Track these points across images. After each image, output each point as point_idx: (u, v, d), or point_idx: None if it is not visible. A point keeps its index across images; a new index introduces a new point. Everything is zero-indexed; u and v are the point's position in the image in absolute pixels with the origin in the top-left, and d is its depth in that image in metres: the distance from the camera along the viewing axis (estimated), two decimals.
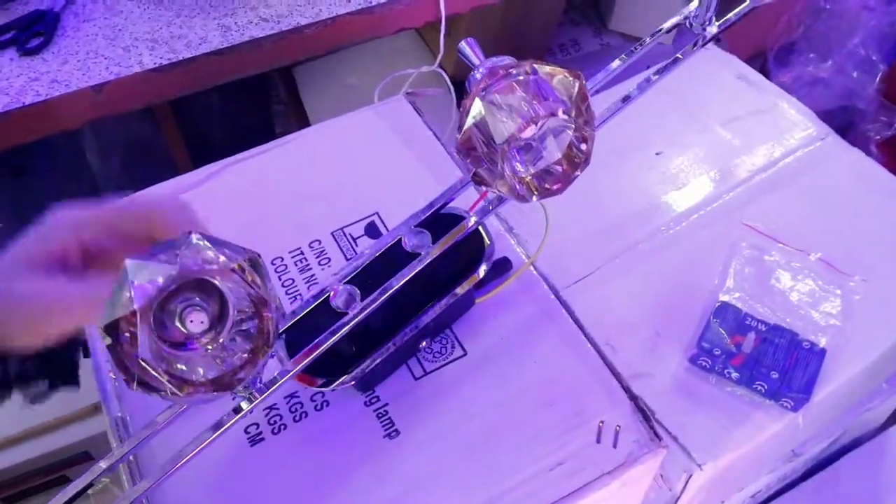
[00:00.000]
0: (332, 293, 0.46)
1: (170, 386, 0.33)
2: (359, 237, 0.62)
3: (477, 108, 0.39)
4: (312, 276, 0.59)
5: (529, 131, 0.40)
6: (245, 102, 1.17)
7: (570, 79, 0.41)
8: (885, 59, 1.15)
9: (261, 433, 0.52)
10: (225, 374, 0.35)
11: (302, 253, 0.61)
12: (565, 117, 0.40)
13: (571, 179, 0.43)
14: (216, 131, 1.12)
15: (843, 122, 1.17)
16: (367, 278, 0.47)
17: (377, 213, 0.63)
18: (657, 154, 0.73)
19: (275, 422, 0.52)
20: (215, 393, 0.35)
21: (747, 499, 0.76)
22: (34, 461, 0.92)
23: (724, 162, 0.72)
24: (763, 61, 1.22)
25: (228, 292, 0.35)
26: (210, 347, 0.36)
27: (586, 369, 0.54)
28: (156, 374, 0.33)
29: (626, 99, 0.55)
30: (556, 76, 0.41)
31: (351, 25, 0.86)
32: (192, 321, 0.34)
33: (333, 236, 0.62)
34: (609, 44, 1.14)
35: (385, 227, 0.62)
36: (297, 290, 0.59)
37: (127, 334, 0.33)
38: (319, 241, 0.62)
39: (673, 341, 0.60)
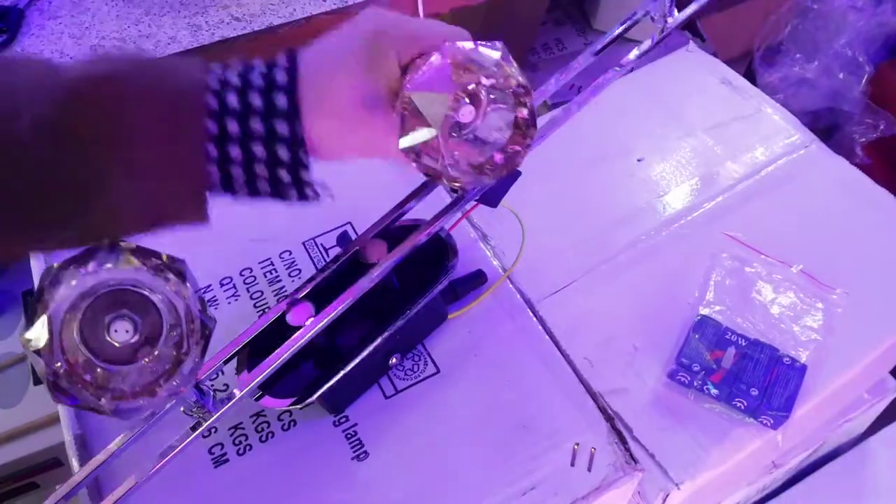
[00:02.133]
0: (288, 310, 0.45)
1: (91, 396, 0.32)
2: (331, 248, 0.60)
3: (404, 100, 0.37)
4: (282, 287, 0.58)
5: (466, 112, 0.38)
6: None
7: (489, 47, 0.39)
8: (872, 60, 1.14)
9: (225, 454, 0.50)
10: (150, 381, 0.34)
11: (272, 264, 0.59)
12: (491, 80, 0.38)
13: (524, 150, 0.40)
14: None
15: (828, 123, 1.16)
16: (327, 293, 0.46)
17: (350, 223, 0.61)
18: (638, 160, 0.72)
19: (240, 442, 0.50)
20: (140, 400, 0.33)
21: None
22: (3, 467, 0.90)
23: (705, 169, 0.71)
24: (749, 62, 1.21)
25: (156, 300, 0.33)
26: (147, 360, 0.34)
27: (562, 389, 0.53)
28: (71, 385, 0.31)
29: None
30: (476, 48, 0.39)
31: (326, 25, 0.83)
32: (116, 330, 0.33)
33: (305, 246, 0.60)
34: (593, 43, 1.12)
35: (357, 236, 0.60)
36: (265, 303, 0.57)
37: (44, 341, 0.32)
38: (290, 252, 0.60)
39: (651, 356, 0.59)
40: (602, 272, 0.64)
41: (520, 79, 0.38)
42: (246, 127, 0.37)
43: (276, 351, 0.43)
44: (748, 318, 0.60)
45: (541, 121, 0.45)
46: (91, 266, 0.33)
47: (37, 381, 0.90)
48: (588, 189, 0.69)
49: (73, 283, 0.32)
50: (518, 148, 0.39)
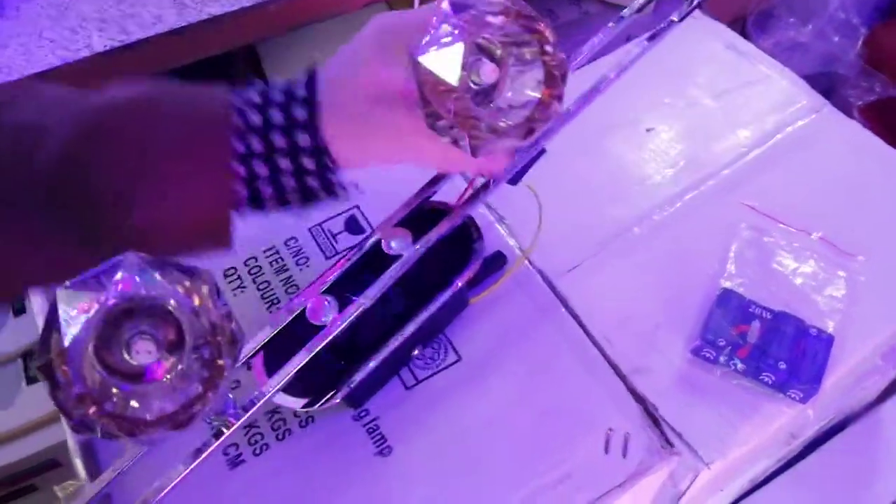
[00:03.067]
0: (307, 306, 0.42)
1: (114, 429, 0.29)
2: (338, 233, 0.57)
3: (416, 71, 0.35)
4: (290, 277, 0.55)
5: (488, 71, 0.35)
6: (206, 85, 1.10)
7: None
8: (866, 22, 1.13)
9: (241, 455, 0.48)
10: (179, 408, 0.31)
11: (277, 252, 0.57)
12: (503, 24, 0.35)
13: (559, 101, 0.38)
14: None
15: (824, 87, 1.14)
16: (347, 287, 0.43)
17: (357, 207, 0.59)
18: (647, 131, 0.70)
19: (256, 441, 0.48)
20: (169, 432, 0.31)
21: (745, 483, 0.74)
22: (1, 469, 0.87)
23: (716, 138, 0.69)
24: (742, 26, 1.19)
25: (180, 315, 0.30)
26: (169, 377, 0.31)
27: (589, 371, 0.51)
28: (96, 418, 0.29)
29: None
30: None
31: (317, 0, 0.81)
32: (138, 352, 0.30)
33: (311, 233, 0.57)
34: (588, 12, 1.10)
35: (367, 221, 0.58)
36: (273, 294, 0.54)
37: (61, 374, 0.29)
38: (296, 239, 0.57)
39: (674, 332, 0.57)
40: (616, 247, 0.61)
41: (536, 19, 0.35)
42: (270, 142, 0.37)
43: (300, 353, 0.40)
44: (771, 289, 0.59)
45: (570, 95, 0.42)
46: (108, 281, 0.30)
47: (30, 381, 0.87)
48: (597, 162, 0.67)
49: (90, 301, 0.29)
50: (554, 101, 0.37)
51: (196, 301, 0.31)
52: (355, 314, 0.41)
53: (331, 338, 0.41)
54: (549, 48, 0.37)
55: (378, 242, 0.45)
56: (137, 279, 0.30)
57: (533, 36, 0.36)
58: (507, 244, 0.57)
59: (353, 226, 0.57)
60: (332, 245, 0.57)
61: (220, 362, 0.31)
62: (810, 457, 0.80)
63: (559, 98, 0.37)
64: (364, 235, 0.57)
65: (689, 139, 0.69)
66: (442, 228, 0.44)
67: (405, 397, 0.49)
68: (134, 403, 0.31)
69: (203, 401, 0.32)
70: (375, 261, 0.44)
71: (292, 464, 0.47)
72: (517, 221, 0.60)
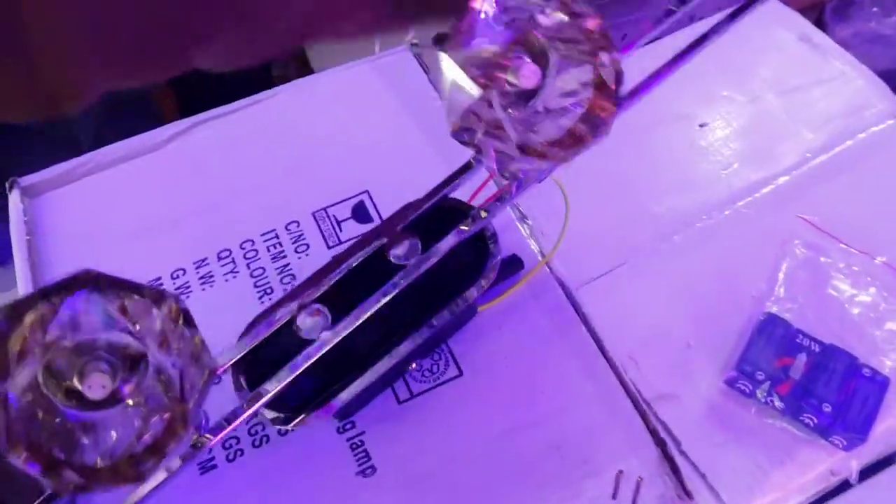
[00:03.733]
0: (298, 316, 0.37)
1: (47, 475, 0.25)
2: (344, 220, 0.52)
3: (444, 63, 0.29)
4: (287, 265, 0.50)
5: (528, 73, 0.29)
6: None
7: None
8: None
9: (213, 459, 0.44)
10: (138, 452, 0.27)
11: (277, 237, 0.52)
12: (553, 22, 0.30)
13: (611, 114, 0.32)
14: (207, 73, 1.01)
15: None
16: (343, 295, 0.38)
17: (367, 192, 0.54)
18: (700, 126, 0.63)
19: (230, 446, 0.44)
20: (117, 486, 0.26)
21: None
22: None
23: (778, 140, 0.61)
24: (819, 14, 1.09)
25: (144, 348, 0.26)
26: (132, 402, 0.27)
27: (606, 403, 0.46)
28: (20, 459, 0.24)
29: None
30: None
31: None
32: (90, 386, 0.25)
33: (315, 217, 0.53)
34: None
35: (375, 209, 0.53)
36: (266, 282, 0.50)
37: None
38: (298, 223, 0.52)
39: (707, 357, 0.51)
40: (653, 256, 0.55)
41: (591, 17, 0.29)
42: None
43: (285, 368, 0.35)
44: (822, 318, 0.52)
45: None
46: (58, 304, 0.26)
47: None
48: (639, 159, 0.61)
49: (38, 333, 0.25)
50: (603, 113, 0.31)
51: (155, 343, 0.26)
52: (351, 328, 0.37)
53: (321, 353, 0.36)
54: (602, 50, 0.31)
55: (381, 247, 0.40)
56: (91, 316, 0.26)
57: (584, 34, 0.30)
58: (525, 246, 0.52)
59: (360, 213, 0.52)
60: (336, 233, 0.52)
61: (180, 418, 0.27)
62: (850, 492, 0.73)
63: (610, 111, 0.31)
64: (370, 226, 0.52)
65: (747, 139, 0.62)
66: (456, 236, 0.38)
67: (396, 412, 0.44)
68: (85, 440, 0.27)
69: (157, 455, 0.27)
70: (377, 266, 0.39)
71: (266, 476, 0.43)
72: (540, 220, 0.54)
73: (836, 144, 0.61)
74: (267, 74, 1.07)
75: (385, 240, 0.39)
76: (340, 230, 0.52)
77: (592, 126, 0.32)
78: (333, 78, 0.61)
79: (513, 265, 0.48)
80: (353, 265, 0.39)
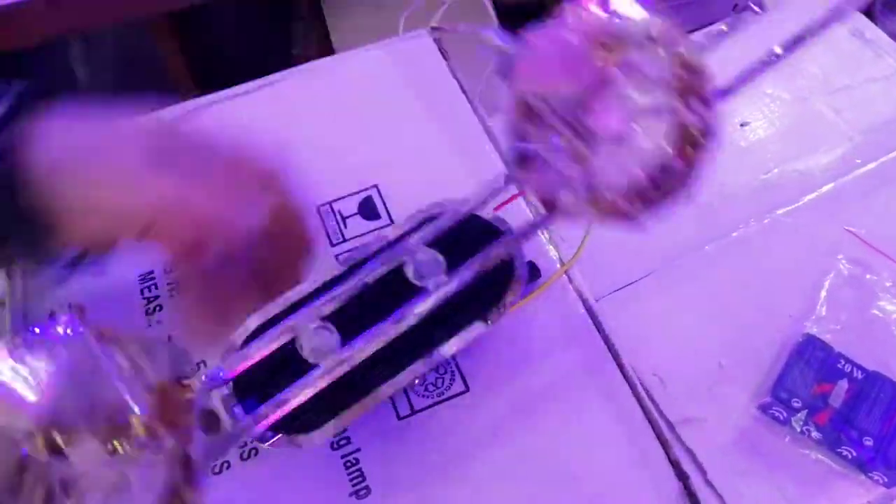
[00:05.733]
0: (301, 336, 0.33)
1: None
2: (350, 216, 0.49)
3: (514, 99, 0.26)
4: None
5: (606, 116, 0.26)
6: (263, 16, 1.02)
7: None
8: None
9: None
10: None
11: None
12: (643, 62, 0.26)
13: (695, 170, 0.29)
14: (226, 48, 0.98)
15: None
16: (351, 311, 0.34)
17: (376, 187, 0.50)
18: (741, 125, 0.59)
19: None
20: None
21: None
22: None
23: (825, 142, 0.57)
24: (870, 6, 1.03)
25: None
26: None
27: (624, 429, 0.42)
28: None
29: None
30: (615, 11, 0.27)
31: None
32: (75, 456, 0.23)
33: (319, 212, 0.49)
34: None
35: (384, 205, 0.49)
36: None
37: None
38: None
39: (739, 379, 0.47)
40: (684, 266, 0.51)
41: (690, 58, 0.26)
42: None
43: (285, 391, 0.32)
44: (866, 342, 0.48)
45: None
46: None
47: None
48: None
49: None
50: (687, 167, 0.27)
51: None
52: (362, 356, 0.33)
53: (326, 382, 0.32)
54: (694, 98, 0.27)
55: (400, 266, 0.36)
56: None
57: (685, 93, 0.27)
58: (544, 252, 0.48)
59: (367, 209, 0.49)
60: (341, 230, 0.48)
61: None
62: None
63: (696, 168, 0.28)
64: (377, 224, 0.48)
65: (790, 141, 0.57)
66: (483, 260, 0.34)
67: (396, 429, 0.41)
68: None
69: None
70: (393, 281, 0.35)
71: (252, 490, 0.40)
72: (562, 227, 0.50)
73: (889, 150, 0.56)
74: (287, 53, 1.04)
75: (404, 257, 0.35)
76: (345, 227, 0.48)
77: (672, 181, 0.28)
78: (349, 62, 0.57)
79: (530, 273, 0.44)
80: (369, 283, 0.35)
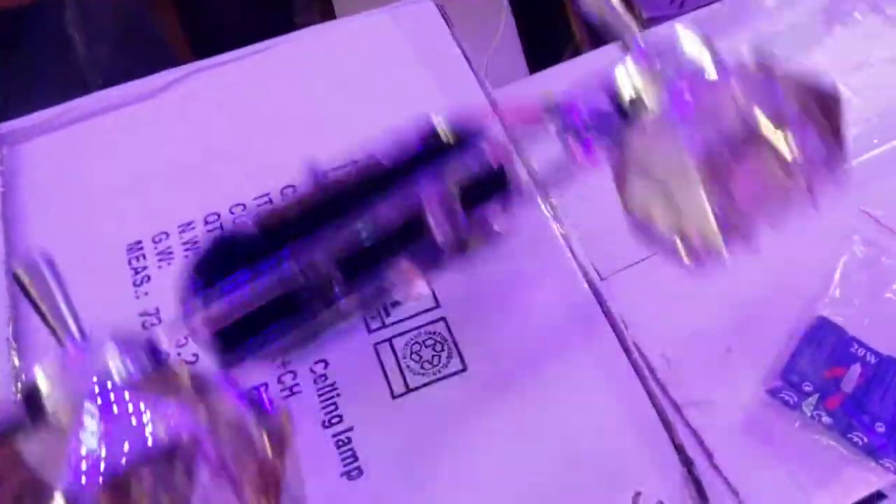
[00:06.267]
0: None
1: None
2: None
3: None
4: None
5: None
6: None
7: None
8: None
9: None
10: None
11: (270, 202, 0.47)
12: None
13: None
14: (226, 17, 0.96)
15: None
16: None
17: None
18: None
19: None
20: None
21: None
22: None
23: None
24: None
25: None
26: None
27: (628, 411, 0.40)
28: None
29: None
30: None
31: None
32: None
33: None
34: None
35: None
36: None
37: None
38: (294, 189, 0.47)
39: (748, 360, 0.46)
40: None
41: None
42: None
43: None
44: (880, 325, 0.46)
45: None
46: None
47: None
48: None
49: None
50: None
51: None
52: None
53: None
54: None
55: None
56: None
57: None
58: (549, 229, 0.46)
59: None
60: None
61: None
62: None
63: None
64: None
65: None
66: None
67: (390, 408, 0.39)
68: None
69: None
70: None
71: None
72: (568, 201, 0.48)
73: None
74: (288, 22, 1.02)
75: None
76: None
77: None
78: (348, 27, 0.55)
79: (497, 183, 0.38)
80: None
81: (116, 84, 0.53)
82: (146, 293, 0.44)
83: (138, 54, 0.92)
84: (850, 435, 0.43)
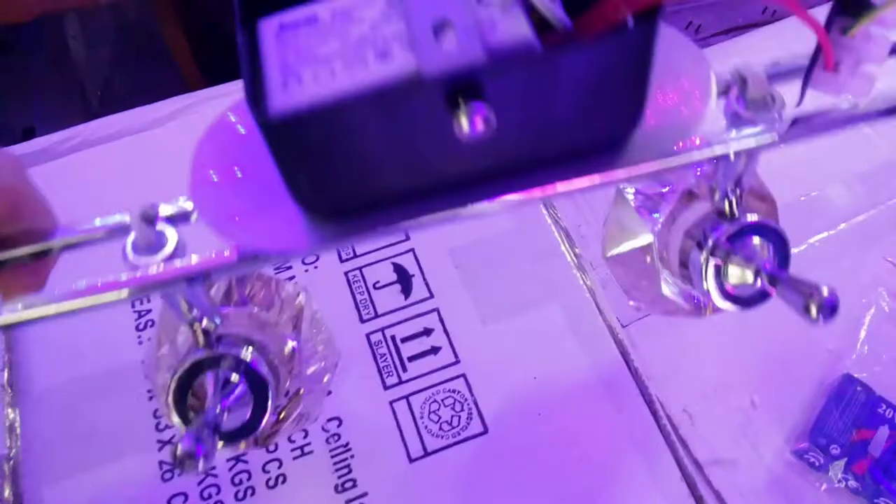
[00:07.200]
0: None
1: None
2: None
3: None
4: (292, 277, 0.43)
5: None
6: None
7: None
8: None
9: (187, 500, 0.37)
10: None
11: None
12: None
13: None
14: (227, 23, 0.94)
15: None
16: None
17: None
18: None
19: (209, 496, 0.37)
20: None
21: None
22: None
23: (866, 162, 0.54)
24: None
25: None
26: None
27: (651, 470, 0.39)
28: None
29: None
30: None
31: None
32: None
33: None
34: None
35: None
36: None
37: None
38: None
39: (773, 418, 0.44)
40: None
41: None
42: None
43: None
44: None
45: None
46: None
47: None
48: None
49: None
50: None
51: None
52: None
53: None
54: None
55: None
56: None
57: None
58: (559, 251, 0.44)
59: None
60: (352, 246, 0.44)
61: None
62: None
63: None
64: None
65: (831, 161, 0.54)
66: None
67: (407, 472, 0.37)
68: None
69: None
70: None
71: None
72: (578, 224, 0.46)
73: None
74: None
75: None
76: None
77: None
78: None
79: None
80: None
81: (115, 91, 0.51)
82: (150, 338, 0.42)
83: (138, 57, 0.90)
84: (877, 500, 0.41)
